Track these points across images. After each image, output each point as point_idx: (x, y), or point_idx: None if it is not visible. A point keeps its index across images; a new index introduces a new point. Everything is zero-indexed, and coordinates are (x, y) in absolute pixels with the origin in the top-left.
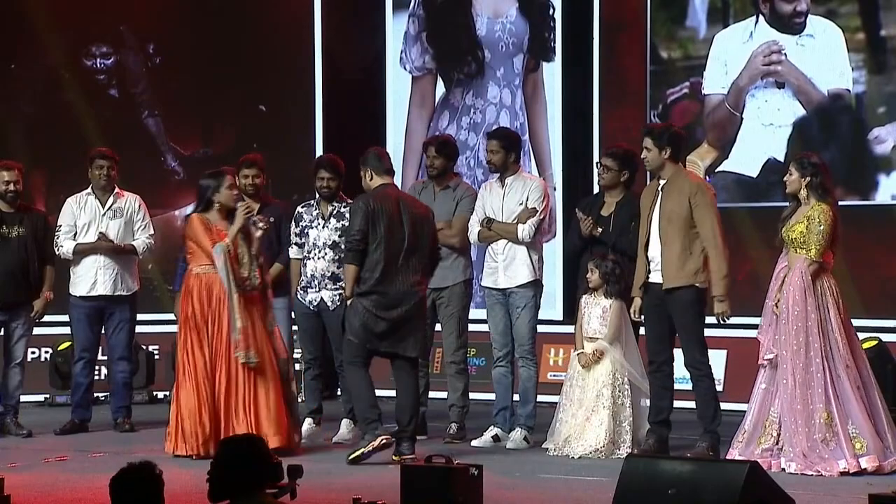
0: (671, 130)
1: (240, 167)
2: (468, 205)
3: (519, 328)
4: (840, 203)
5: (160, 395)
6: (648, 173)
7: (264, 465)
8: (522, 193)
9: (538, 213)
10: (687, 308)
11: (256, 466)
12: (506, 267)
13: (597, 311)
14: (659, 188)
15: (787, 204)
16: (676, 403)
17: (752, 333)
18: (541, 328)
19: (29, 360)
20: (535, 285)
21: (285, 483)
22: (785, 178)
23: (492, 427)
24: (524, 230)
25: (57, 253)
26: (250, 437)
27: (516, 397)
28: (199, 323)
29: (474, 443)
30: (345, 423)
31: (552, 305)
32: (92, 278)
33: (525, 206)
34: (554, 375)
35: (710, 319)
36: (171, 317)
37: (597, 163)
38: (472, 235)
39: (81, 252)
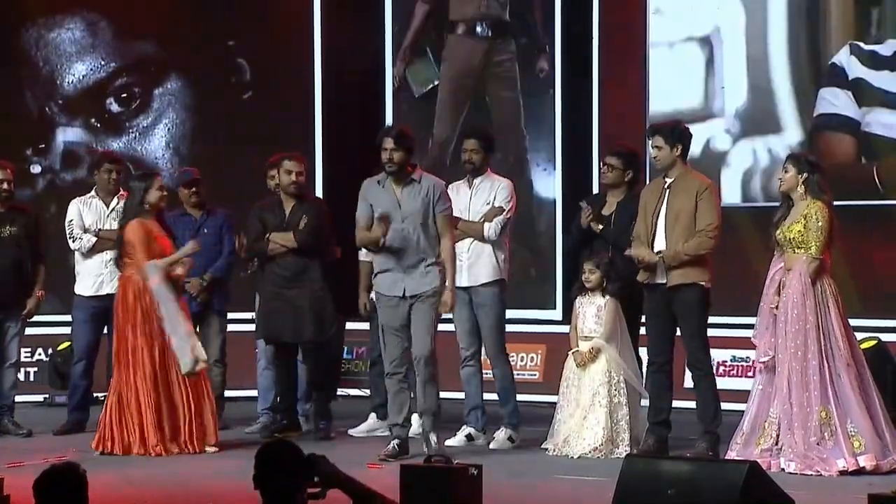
0: (680, 127)
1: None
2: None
3: (487, 327)
4: (840, 203)
5: None
6: (648, 173)
7: (300, 466)
8: (490, 193)
9: (505, 213)
10: (692, 307)
11: (293, 468)
12: (470, 265)
13: (591, 310)
14: (665, 186)
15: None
16: (676, 403)
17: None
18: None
19: (32, 359)
20: (501, 284)
21: (318, 483)
22: (779, 177)
23: (464, 426)
24: (490, 229)
25: (75, 247)
26: (285, 441)
27: (493, 396)
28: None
29: (448, 442)
30: (372, 416)
31: (552, 305)
32: (99, 277)
33: (492, 206)
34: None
35: (712, 319)
36: None
37: (602, 162)
38: None
39: (99, 245)
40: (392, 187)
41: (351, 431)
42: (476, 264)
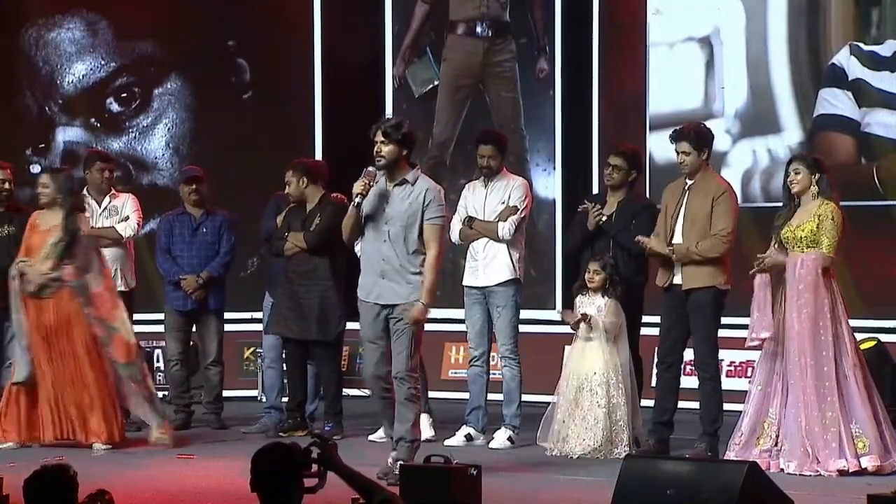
0: (705, 130)
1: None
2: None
3: (501, 327)
4: (840, 203)
5: (160, 394)
6: (649, 173)
7: (296, 467)
8: (504, 193)
9: (519, 212)
10: (704, 309)
11: (288, 470)
12: (486, 265)
13: (591, 310)
14: (686, 188)
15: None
16: (679, 403)
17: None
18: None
19: None
20: (515, 283)
21: (317, 472)
22: (789, 179)
23: (464, 426)
24: (504, 228)
25: None
26: (278, 443)
27: (496, 397)
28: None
29: (447, 442)
30: (423, 417)
31: (551, 305)
32: None
33: (506, 205)
34: (454, 373)
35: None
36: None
37: (606, 163)
38: (454, 235)
39: None
40: (385, 184)
41: (371, 437)
42: (491, 264)
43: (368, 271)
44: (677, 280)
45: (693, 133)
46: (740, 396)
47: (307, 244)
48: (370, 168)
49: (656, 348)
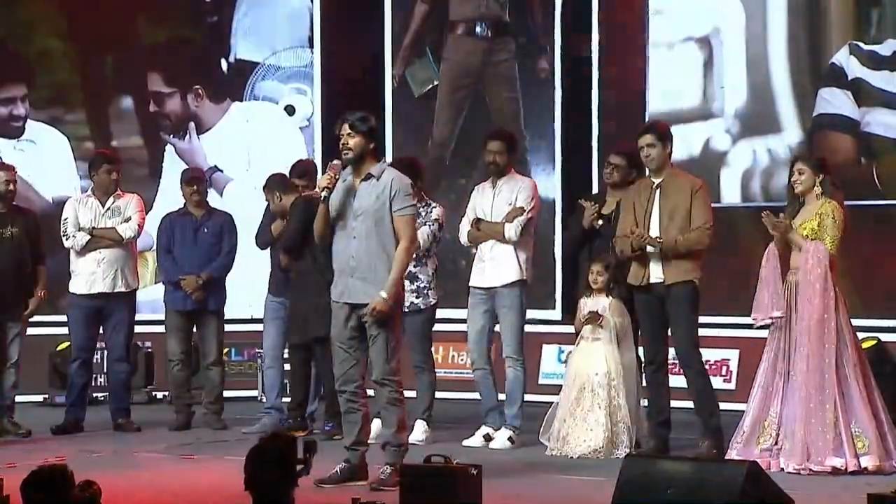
0: (664, 124)
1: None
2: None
3: (505, 328)
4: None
5: (159, 395)
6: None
7: (291, 464)
8: (512, 194)
9: (526, 213)
10: (684, 303)
11: (284, 466)
12: (493, 266)
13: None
14: (654, 186)
15: (782, 204)
16: (676, 403)
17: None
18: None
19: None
20: (522, 284)
21: (302, 459)
22: (793, 179)
23: (483, 426)
24: (510, 229)
25: (68, 245)
26: (275, 435)
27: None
28: None
29: (465, 442)
30: (419, 423)
31: (551, 305)
32: (91, 274)
33: (513, 206)
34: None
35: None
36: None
37: (606, 162)
38: (463, 237)
39: (92, 244)
40: (351, 180)
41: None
42: (498, 265)
43: (339, 271)
44: (655, 278)
45: (657, 127)
46: (719, 395)
47: (286, 252)
48: (335, 161)
49: (641, 350)
